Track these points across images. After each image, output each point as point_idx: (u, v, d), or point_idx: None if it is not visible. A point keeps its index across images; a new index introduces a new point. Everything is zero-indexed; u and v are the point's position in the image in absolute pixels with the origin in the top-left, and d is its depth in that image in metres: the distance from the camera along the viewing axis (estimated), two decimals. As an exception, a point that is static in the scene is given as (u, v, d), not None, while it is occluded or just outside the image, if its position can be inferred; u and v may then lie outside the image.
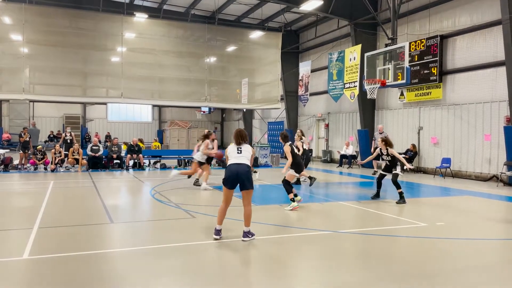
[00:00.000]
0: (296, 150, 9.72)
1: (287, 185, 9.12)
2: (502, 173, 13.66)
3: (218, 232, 6.36)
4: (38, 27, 20.63)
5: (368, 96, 16.10)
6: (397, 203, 9.77)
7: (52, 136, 31.71)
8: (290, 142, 9.36)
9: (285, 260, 5.47)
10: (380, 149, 10.28)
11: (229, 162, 6.50)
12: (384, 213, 8.70)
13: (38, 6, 20.50)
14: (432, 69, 16.24)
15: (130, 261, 5.40)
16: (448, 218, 8.28)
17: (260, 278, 4.83)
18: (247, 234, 6.33)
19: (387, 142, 10.08)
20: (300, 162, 9.58)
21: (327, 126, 23.67)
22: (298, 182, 12.82)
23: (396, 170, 10.01)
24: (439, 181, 14.61)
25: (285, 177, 9.30)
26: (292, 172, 9.31)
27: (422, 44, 16.55)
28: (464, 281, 4.83)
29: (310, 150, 23.92)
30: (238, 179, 6.29)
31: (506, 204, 10.48)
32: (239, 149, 6.53)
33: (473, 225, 7.83)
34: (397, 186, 9.89)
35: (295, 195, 9.10)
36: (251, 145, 12.57)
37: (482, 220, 8.25)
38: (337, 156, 21.83)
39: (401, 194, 9.84)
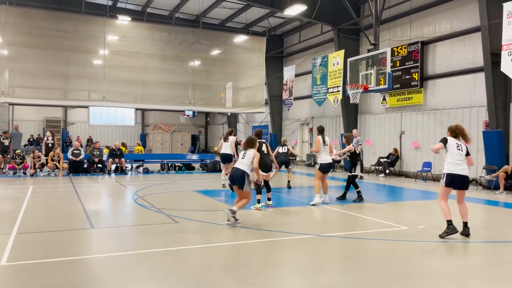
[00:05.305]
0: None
1: (258, 186, 9.33)
2: (481, 177, 13.93)
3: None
4: (19, 29, 20.20)
5: (351, 101, 16.27)
6: (354, 201, 10.49)
7: (32, 140, 31.14)
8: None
9: (267, 264, 5.46)
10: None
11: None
12: (366, 217, 8.77)
13: (19, 8, 20.14)
14: (413, 74, 16.49)
15: (112, 267, 5.33)
16: (429, 221, 8.38)
17: (242, 282, 4.81)
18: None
19: (348, 138, 11.08)
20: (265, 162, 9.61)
21: (311, 130, 23.80)
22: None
23: (354, 172, 10.82)
24: (420, 185, 14.81)
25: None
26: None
27: (404, 50, 16.80)
28: (445, 282, 4.89)
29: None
30: (234, 181, 7.73)
31: (485, 207, 10.67)
32: (244, 154, 7.86)
33: (453, 228, 7.92)
34: (355, 186, 10.67)
35: (269, 199, 9.66)
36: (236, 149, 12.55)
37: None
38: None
39: (358, 193, 10.63)
